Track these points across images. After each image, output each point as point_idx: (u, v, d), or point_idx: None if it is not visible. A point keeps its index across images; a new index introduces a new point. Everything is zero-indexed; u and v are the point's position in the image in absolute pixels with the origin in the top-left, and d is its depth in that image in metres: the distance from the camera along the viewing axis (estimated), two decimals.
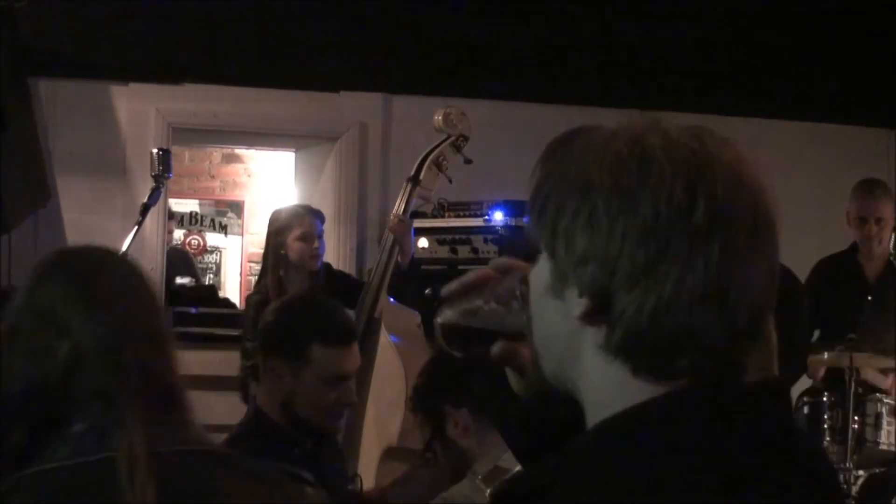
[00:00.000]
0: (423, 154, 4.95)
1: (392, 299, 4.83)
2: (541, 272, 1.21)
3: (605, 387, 1.15)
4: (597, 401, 1.17)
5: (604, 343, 1.13)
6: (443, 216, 5.75)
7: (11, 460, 1.73)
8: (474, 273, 1.40)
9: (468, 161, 4.96)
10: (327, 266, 5.60)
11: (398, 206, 4.88)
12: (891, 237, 5.52)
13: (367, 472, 4.35)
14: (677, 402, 1.12)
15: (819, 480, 1.18)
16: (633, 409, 1.12)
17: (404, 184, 4.93)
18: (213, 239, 9.37)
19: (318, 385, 2.96)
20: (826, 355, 5.13)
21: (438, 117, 4.95)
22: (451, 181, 4.98)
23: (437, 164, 4.91)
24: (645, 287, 1.11)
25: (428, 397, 3.01)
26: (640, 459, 1.10)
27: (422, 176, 4.86)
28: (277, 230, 5.42)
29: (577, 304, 1.14)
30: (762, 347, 2.21)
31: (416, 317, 4.65)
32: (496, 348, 1.34)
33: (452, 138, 4.93)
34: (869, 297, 5.46)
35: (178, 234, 9.28)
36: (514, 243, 5.50)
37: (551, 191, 1.18)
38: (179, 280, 7.36)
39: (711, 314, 1.11)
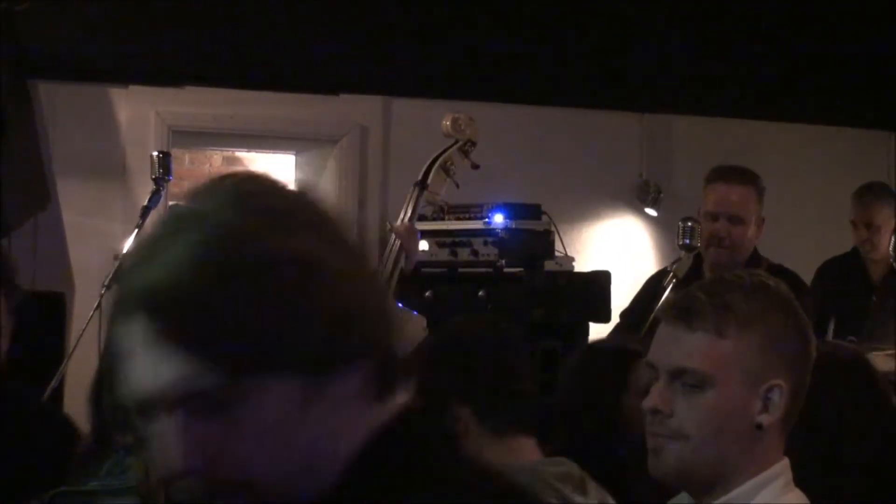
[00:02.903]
0: (431, 159, 4.94)
1: (400, 304, 4.81)
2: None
3: None
4: None
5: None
6: (443, 219, 5.74)
7: (80, 465, 1.68)
8: None
9: (476, 166, 4.96)
10: None
11: (405, 211, 4.87)
12: (890, 241, 5.52)
13: None
14: None
15: None
16: None
17: (411, 188, 4.91)
18: None
19: None
20: None
21: (447, 122, 4.93)
22: (458, 186, 4.98)
23: (445, 170, 4.90)
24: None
25: (430, 385, 2.58)
26: None
27: (429, 181, 4.84)
28: None
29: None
30: None
31: (422, 320, 4.64)
32: None
33: (460, 143, 4.92)
34: (874, 299, 5.45)
35: None
36: (514, 246, 5.50)
37: None
38: None
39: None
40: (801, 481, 1.81)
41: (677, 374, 1.77)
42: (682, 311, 1.79)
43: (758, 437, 1.74)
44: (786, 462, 1.79)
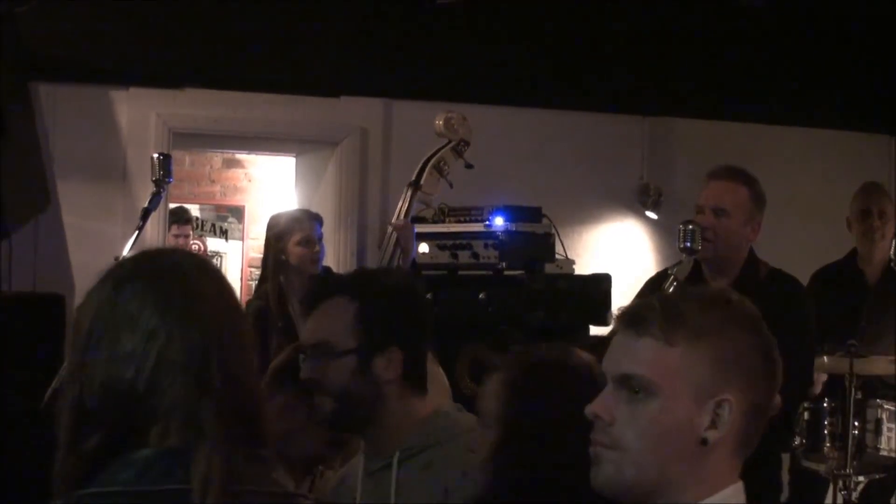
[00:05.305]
0: (425, 159, 4.95)
1: None
2: None
3: None
4: None
5: None
6: (443, 221, 5.75)
7: (80, 471, 1.64)
8: None
9: (469, 166, 4.97)
10: (327, 270, 5.59)
11: (399, 210, 4.89)
12: (892, 242, 5.54)
13: None
14: None
15: None
16: None
17: (405, 188, 4.93)
18: (213, 244, 9.36)
19: None
20: (826, 360, 5.12)
21: (440, 122, 4.95)
22: (451, 186, 4.99)
23: (438, 169, 4.91)
24: None
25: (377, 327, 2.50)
26: None
27: (423, 181, 4.86)
28: (277, 235, 5.43)
29: None
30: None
31: None
32: None
33: (453, 143, 4.93)
34: (870, 302, 5.46)
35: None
36: (515, 248, 5.50)
37: None
38: None
39: None
40: None
41: (623, 382, 1.69)
42: (633, 317, 1.72)
43: (703, 453, 1.66)
44: (740, 485, 1.71)
